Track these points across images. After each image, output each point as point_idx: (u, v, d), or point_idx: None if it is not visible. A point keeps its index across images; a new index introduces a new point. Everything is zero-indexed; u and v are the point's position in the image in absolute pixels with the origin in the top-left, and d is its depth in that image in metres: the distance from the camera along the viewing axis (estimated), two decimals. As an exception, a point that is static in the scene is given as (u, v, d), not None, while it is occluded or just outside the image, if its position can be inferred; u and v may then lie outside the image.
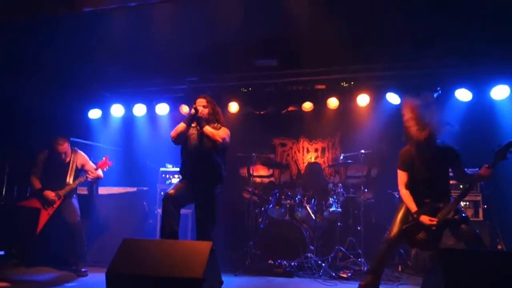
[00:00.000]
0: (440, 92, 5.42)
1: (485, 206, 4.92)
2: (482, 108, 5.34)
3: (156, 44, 5.55)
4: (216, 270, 3.12)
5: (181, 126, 3.87)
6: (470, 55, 5.14)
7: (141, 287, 2.80)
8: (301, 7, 5.02)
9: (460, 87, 5.32)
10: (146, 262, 2.87)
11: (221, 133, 3.84)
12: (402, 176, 3.86)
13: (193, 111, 3.83)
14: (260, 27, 5.24)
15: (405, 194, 3.81)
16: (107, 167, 4.89)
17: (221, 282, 3.22)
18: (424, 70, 5.52)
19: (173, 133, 3.88)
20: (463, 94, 5.31)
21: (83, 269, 4.56)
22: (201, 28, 5.31)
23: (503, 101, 5.22)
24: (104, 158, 4.89)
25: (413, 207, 3.71)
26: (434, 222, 3.58)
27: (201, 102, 3.96)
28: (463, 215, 3.62)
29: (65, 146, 4.85)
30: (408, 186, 3.83)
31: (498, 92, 5.18)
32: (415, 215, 3.68)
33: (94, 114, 6.79)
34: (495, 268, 2.52)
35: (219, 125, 3.95)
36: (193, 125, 3.91)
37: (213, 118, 3.94)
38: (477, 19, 4.58)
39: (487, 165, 3.48)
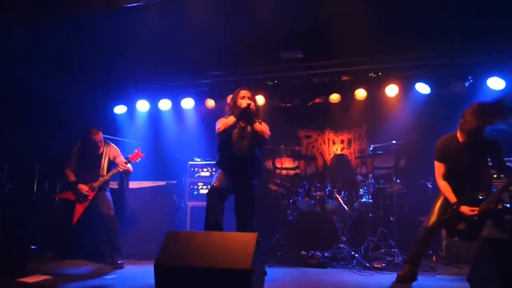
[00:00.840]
0: (471, 81, 5.34)
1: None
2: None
3: (179, 39, 5.60)
4: (261, 260, 3.14)
5: (231, 120, 3.84)
6: (499, 42, 5.04)
7: (190, 278, 2.83)
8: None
9: (492, 75, 5.22)
10: (193, 254, 2.90)
11: (266, 129, 3.87)
12: (439, 167, 3.83)
13: (244, 105, 3.76)
14: (284, 19, 5.23)
15: (443, 185, 3.78)
16: (139, 159, 4.95)
17: (265, 273, 3.24)
18: (454, 59, 5.44)
19: (221, 126, 3.85)
20: (496, 83, 5.21)
21: (119, 261, 4.63)
22: (224, 21, 5.32)
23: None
24: (136, 150, 4.95)
25: (453, 198, 3.68)
26: (476, 213, 3.55)
27: (245, 94, 3.94)
28: (507, 205, 3.58)
29: (100, 135, 4.94)
30: (446, 177, 3.79)
31: (533, 80, 5.08)
32: (454, 206, 3.66)
33: (120, 109, 6.86)
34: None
35: (260, 119, 3.94)
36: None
37: (256, 113, 3.92)
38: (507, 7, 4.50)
39: None
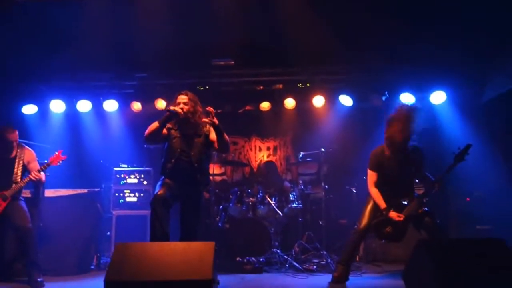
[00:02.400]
0: (387, 95, 5.90)
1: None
2: (423, 112, 5.90)
3: (103, 35, 5.26)
4: (215, 270, 3.08)
5: (154, 125, 3.71)
6: (413, 61, 5.68)
7: (145, 293, 2.67)
8: (257, 8, 5.16)
9: (405, 91, 5.83)
10: (148, 267, 2.74)
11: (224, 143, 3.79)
12: (372, 176, 4.16)
13: (167, 112, 3.66)
14: (217, 26, 5.25)
15: (374, 192, 4.11)
16: (60, 162, 4.47)
17: (218, 282, 3.18)
18: (372, 74, 5.96)
19: (146, 132, 3.73)
20: (407, 98, 5.83)
21: (38, 279, 4.14)
22: (156, 23, 5.16)
23: (441, 105, 5.84)
24: (56, 152, 4.47)
25: (382, 204, 4.03)
26: (402, 218, 3.94)
27: (181, 100, 3.82)
28: (426, 209, 4.02)
29: (16, 135, 4.40)
30: (377, 184, 4.14)
31: (437, 97, 5.79)
32: (384, 211, 4.01)
33: (29, 109, 6.18)
34: (477, 254, 2.87)
35: (207, 127, 3.84)
36: (175, 128, 3.79)
37: (192, 119, 3.76)
38: (419, 29, 5.09)
39: (435, 180, 3.92)
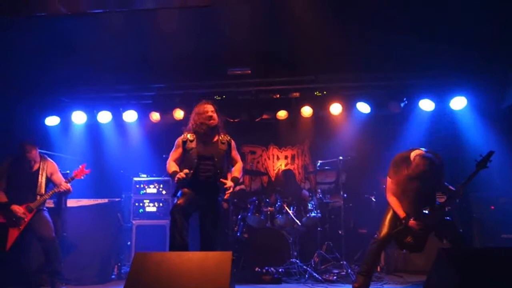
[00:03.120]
0: (406, 102, 5.83)
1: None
2: (444, 118, 5.83)
3: (120, 49, 5.37)
4: (233, 280, 3.08)
5: (170, 171, 3.81)
6: (432, 67, 5.61)
7: (164, 303, 2.68)
8: (273, 17, 5.18)
9: (424, 97, 5.75)
10: (166, 277, 2.76)
11: (239, 167, 3.99)
12: (390, 184, 4.08)
13: (180, 177, 3.61)
14: (233, 36, 5.29)
15: (393, 200, 4.03)
16: (84, 176, 4.58)
17: (236, 292, 3.18)
18: (390, 81, 5.90)
19: (167, 167, 3.86)
20: (426, 104, 5.75)
21: (61, 288, 4.23)
22: (172, 34, 5.24)
23: (462, 111, 5.73)
24: (80, 166, 4.59)
25: (402, 213, 3.94)
26: (422, 227, 3.85)
27: (209, 108, 3.86)
28: (447, 218, 3.93)
29: (34, 153, 4.51)
30: (396, 193, 4.06)
31: (457, 103, 5.68)
32: (403, 221, 3.92)
33: (52, 121, 6.34)
34: (502, 263, 2.78)
35: (229, 137, 3.93)
36: (191, 138, 3.83)
37: (217, 128, 3.86)
38: (438, 35, 5.03)
39: (459, 185, 3.81)
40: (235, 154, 3.97)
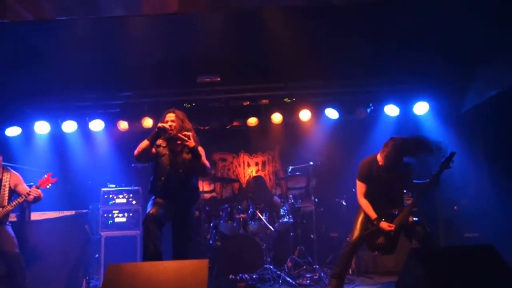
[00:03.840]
0: (372, 107, 6.00)
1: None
2: (408, 122, 6.04)
3: (86, 57, 5.25)
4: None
5: (144, 143, 3.69)
6: (396, 73, 5.81)
7: (140, 315, 2.62)
8: (242, 25, 5.23)
9: (389, 103, 5.94)
10: (141, 287, 2.70)
11: (207, 165, 3.80)
12: (361, 187, 4.19)
13: (156, 128, 3.67)
14: (202, 43, 5.29)
15: (364, 203, 4.14)
16: (49, 185, 4.42)
17: (212, 301, 3.15)
18: (357, 88, 6.06)
19: (136, 151, 3.70)
20: (391, 110, 5.95)
21: (26, 306, 4.05)
22: (139, 41, 5.18)
23: (424, 115, 5.96)
24: (46, 175, 4.43)
25: (373, 215, 4.05)
26: (393, 228, 3.96)
27: (169, 118, 3.83)
28: (415, 219, 4.06)
29: (0, 160, 4.33)
30: (367, 195, 4.17)
31: (420, 108, 5.91)
32: (375, 222, 4.03)
33: (12, 131, 6.08)
34: (467, 260, 2.91)
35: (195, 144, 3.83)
36: (163, 145, 3.78)
37: (178, 136, 3.72)
38: (401, 41, 5.23)
39: (429, 180, 3.94)
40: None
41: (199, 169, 3.75)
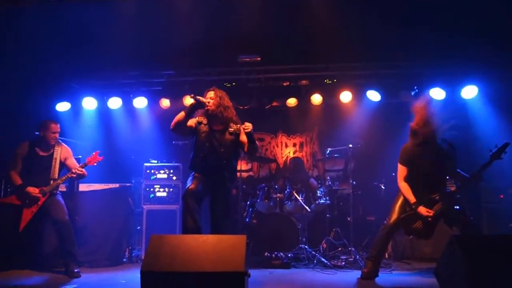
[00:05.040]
0: (417, 90, 5.81)
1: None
2: (455, 106, 5.80)
3: (130, 36, 5.38)
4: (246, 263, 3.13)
5: (180, 115, 3.80)
6: (443, 55, 5.57)
7: (180, 284, 2.74)
8: (284, 4, 5.16)
9: (434, 86, 5.72)
10: (182, 258, 2.82)
11: (256, 148, 3.86)
12: (402, 170, 4.12)
13: (193, 101, 3.77)
14: (243, 23, 5.28)
15: (404, 186, 4.07)
16: (97, 162, 4.65)
17: (249, 275, 3.23)
18: (401, 70, 5.87)
19: (172, 122, 3.83)
20: (437, 93, 5.73)
21: (75, 270, 4.31)
22: (181, 21, 5.24)
23: (473, 99, 5.70)
24: (94, 153, 4.66)
25: (412, 199, 3.98)
26: (431, 214, 3.88)
27: (209, 95, 3.90)
28: (457, 207, 3.95)
29: (57, 133, 4.59)
30: (407, 179, 4.09)
31: (468, 92, 5.66)
32: (413, 206, 3.96)
33: (62, 107, 6.38)
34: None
35: (238, 126, 3.88)
36: (204, 122, 3.85)
37: (220, 114, 3.81)
38: (448, 24, 5.00)
39: (475, 172, 3.84)
40: (243, 138, 3.85)
41: (251, 150, 3.83)
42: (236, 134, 3.88)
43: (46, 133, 4.53)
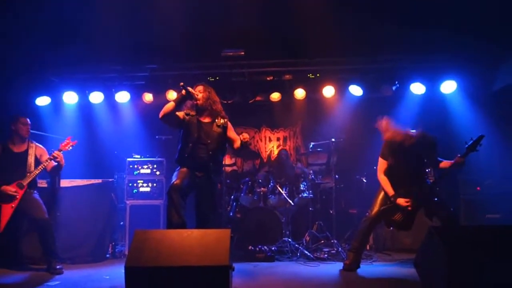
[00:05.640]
0: (398, 85, 5.90)
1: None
2: (434, 101, 5.93)
3: (113, 30, 5.30)
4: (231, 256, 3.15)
5: (170, 104, 3.81)
6: (423, 50, 5.68)
7: (165, 279, 2.75)
8: (268, -1, 5.17)
9: (415, 81, 5.83)
10: (167, 253, 2.83)
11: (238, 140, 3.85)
12: (382, 164, 4.22)
13: (183, 91, 3.79)
14: (227, 16, 5.27)
15: (383, 179, 4.17)
16: (70, 147, 4.56)
17: (233, 268, 3.25)
18: (382, 64, 5.96)
19: (161, 112, 3.82)
20: (417, 88, 5.84)
21: (57, 267, 4.27)
22: (164, 13, 5.19)
23: (452, 94, 5.83)
24: (67, 139, 4.58)
25: (391, 191, 4.08)
26: (409, 203, 3.98)
27: (198, 89, 3.94)
28: (435, 199, 4.05)
29: (28, 127, 4.54)
30: (387, 173, 4.18)
31: (447, 87, 5.78)
32: (392, 198, 4.05)
33: (42, 101, 6.27)
34: (489, 240, 2.91)
35: (225, 120, 3.93)
36: (192, 113, 3.86)
37: (209, 107, 3.89)
38: (428, 19, 5.09)
39: (459, 155, 3.91)
40: (232, 134, 3.96)
41: (241, 152, 3.96)
42: (224, 127, 3.92)
43: (17, 126, 4.46)
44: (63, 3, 5.06)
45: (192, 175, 3.72)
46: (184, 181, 3.61)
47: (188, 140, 3.81)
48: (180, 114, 3.89)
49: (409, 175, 4.10)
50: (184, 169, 3.74)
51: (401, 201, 4.01)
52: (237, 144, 3.83)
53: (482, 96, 5.74)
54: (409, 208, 4.00)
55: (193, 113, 3.90)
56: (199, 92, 3.89)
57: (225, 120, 3.95)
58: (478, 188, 5.33)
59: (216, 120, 3.90)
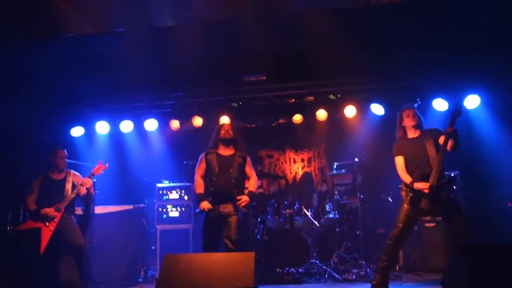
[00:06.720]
0: (420, 102, 5.90)
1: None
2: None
3: (140, 62, 5.60)
4: (255, 279, 3.24)
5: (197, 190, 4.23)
6: (445, 65, 5.67)
7: (193, 301, 2.86)
8: (285, 23, 5.35)
9: (437, 97, 5.82)
10: (195, 276, 2.94)
11: (253, 182, 4.30)
12: (399, 160, 4.25)
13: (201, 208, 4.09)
14: (247, 44, 5.48)
15: (402, 173, 4.19)
16: (102, 171, 4.80)
17: (258, 290, 3.34)
18: (403, 82, 5.99)
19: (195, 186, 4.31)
20: (440, 104, 5.82)
21: (93, 290, 4.47)
22: (186, 43, 5.46)
23: (475, 109, 5.78)
24: (98, 163, 4.83)
25: (408, 179, 4.07)
26: (427, 186, 3.92)
27: (225, 127, 4.36)
28: (452, 195, 4.05)
29: (65, 159, 4.82)
30: (405, 168, 4.20)
31: (471, 102, 5.74)
32: (410, 185, 4.02)
33: (77, 132, 6.62)
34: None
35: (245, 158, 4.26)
36: (211, 151, 4.26)
37: (237, 138, 4.30)
38: (451, 35, 5.13)
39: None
40: (249, 169, 4.30)
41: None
42: (244, 158, 4.24)
43: (55, 159, 4.75)
44: (93, 42, 5.46)
45: (217, 204, 3.98)
46: (209, 241, 3.89)
47: (212, 172, 4.12)
48: (202, 156, 4.30)
49: (424, 165, 4.09)
50: (209, 216, 3.97)
51: (419, 184, 3.98)
52: (249, 186, 4.27)
53: (506, 110, 5.65)
54: (427, 191, 3.93)
55: (213, 150, 4.27)
56: (228, 128, 4.30)
57: (245, 154, 4.32)
58: (510, 204, 5.21)
59: (237, 153, 4.25)
